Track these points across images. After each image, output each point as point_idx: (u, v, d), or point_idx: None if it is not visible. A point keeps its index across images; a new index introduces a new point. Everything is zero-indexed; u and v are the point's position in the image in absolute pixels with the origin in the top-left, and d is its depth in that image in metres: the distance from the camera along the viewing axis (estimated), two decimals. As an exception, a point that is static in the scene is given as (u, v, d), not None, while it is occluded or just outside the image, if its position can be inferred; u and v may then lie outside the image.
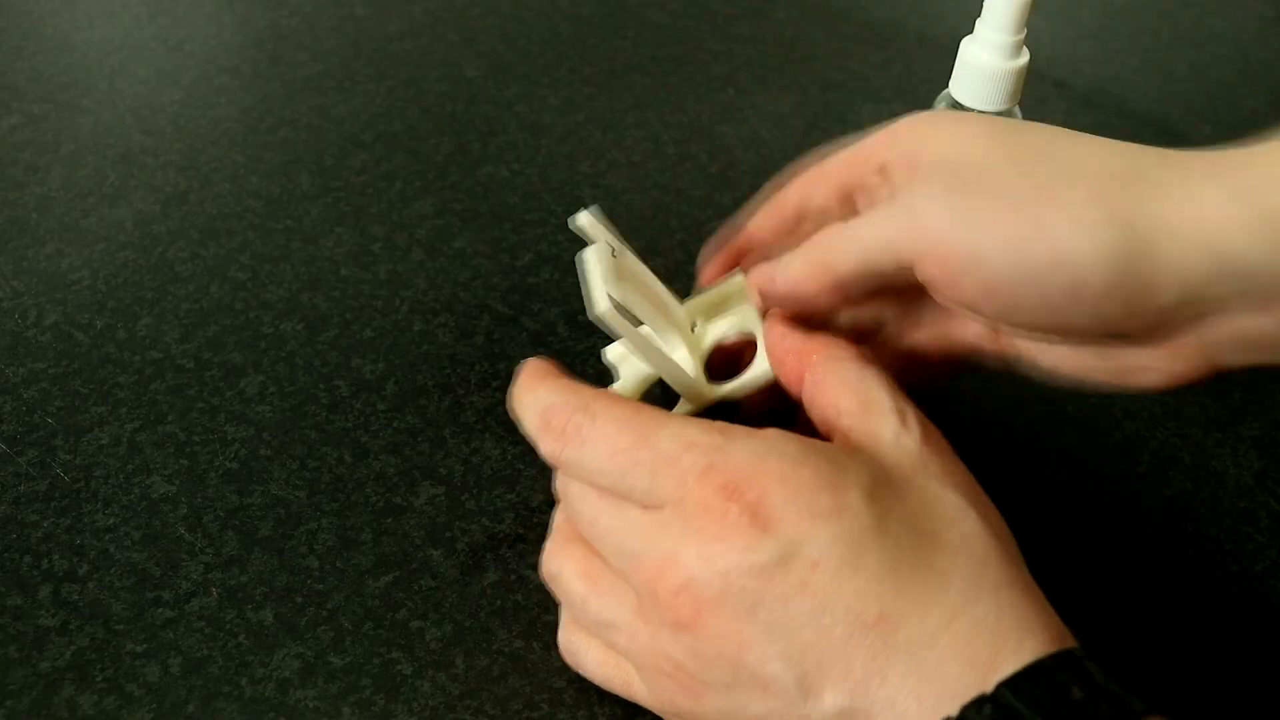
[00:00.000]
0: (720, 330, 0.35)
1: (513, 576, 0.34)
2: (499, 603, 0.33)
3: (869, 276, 0.30)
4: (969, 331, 0.33)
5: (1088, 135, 0.29)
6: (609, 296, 0.30)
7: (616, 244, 0.32)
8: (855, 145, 0.32)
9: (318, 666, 0.32)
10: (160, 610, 0.33)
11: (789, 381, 0.31)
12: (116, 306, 0.43)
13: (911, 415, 0.28)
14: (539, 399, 0.29)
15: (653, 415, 0.28)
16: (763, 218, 0.35)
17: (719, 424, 0.27)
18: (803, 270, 0.31)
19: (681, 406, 0.34)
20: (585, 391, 0.29)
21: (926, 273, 0.29)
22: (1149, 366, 0.30)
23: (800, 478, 0.25)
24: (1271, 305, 0.27)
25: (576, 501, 0.29)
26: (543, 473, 0.37)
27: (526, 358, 0.35)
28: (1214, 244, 0.26)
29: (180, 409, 0.39)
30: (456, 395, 0.40)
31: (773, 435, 0.27)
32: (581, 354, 0.41)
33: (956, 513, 0.26)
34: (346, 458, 0.38)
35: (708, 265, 0.36)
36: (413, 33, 0.61)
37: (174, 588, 0.34)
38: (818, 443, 0.27)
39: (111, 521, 0.36)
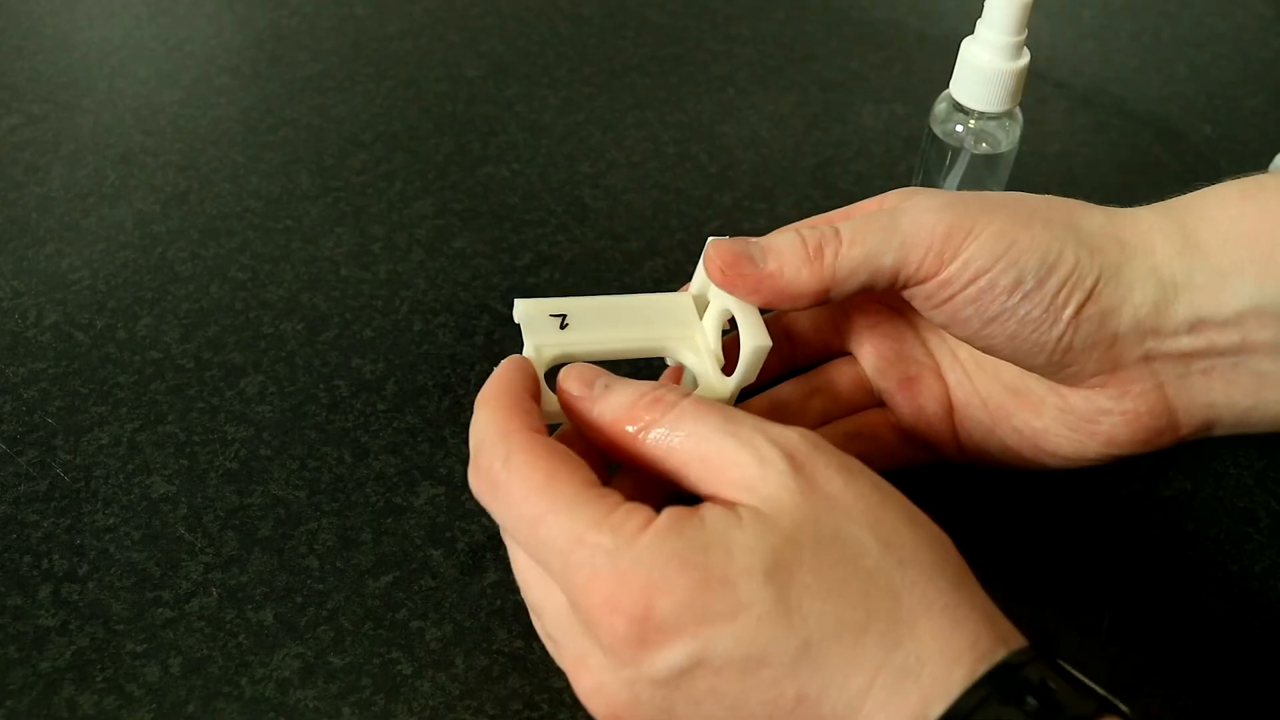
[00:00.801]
0: (714, 321, 0.34)
1: (512, 576, 0.34)
2: (499, 603, 0.33)
3: (865, 271, 0.31)
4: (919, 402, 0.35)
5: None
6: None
7: (560, 310, 0.32)
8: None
9: (318, 666, 0.32)
10: (160, 610, 0.33)
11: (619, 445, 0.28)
12: (116, 306, 0.43)
13: (778, 446, 0.25)
14: (478, 426, 0.27)
15: (560, 487, 0.25)
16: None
17: (617, 513, 0.24)
18: (800, 255, 0.31)
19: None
20: (516, 435, 0.26)
21: (920, 267, 0.30)
22: (1108, 409, 0.32)
23: (689, 581, 0.23)
24: (1202, 327, 0.31)
25: (510, 547, 0.28)
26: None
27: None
28: (1157, 271, 0.31)
29: (180, 409, 0.39)
30: (456, 395, 0.40)
31: (662, 528, 0.24)
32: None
33: (857, 548, 0.24)
34: (346, 458, 0.38)
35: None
36: (413, 33, 0.61)
37: (174, 588, 0.34)
38: (703, 528, 0.24)
39: (111, 521, 0.36)
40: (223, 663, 0.32)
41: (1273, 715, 0.31)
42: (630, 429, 0.27)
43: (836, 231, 0.31)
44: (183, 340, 0.42)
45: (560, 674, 0.31)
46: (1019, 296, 0.30)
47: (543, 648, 0.32)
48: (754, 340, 0.31)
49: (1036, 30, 0.39)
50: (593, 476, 0.26)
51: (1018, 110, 0.40)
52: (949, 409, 0.35)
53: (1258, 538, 0.36)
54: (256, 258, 0.46)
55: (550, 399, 0.30)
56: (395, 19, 0.62)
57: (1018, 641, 0.24)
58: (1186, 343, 0.31)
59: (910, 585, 0.24)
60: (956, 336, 0.32)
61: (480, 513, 0.36)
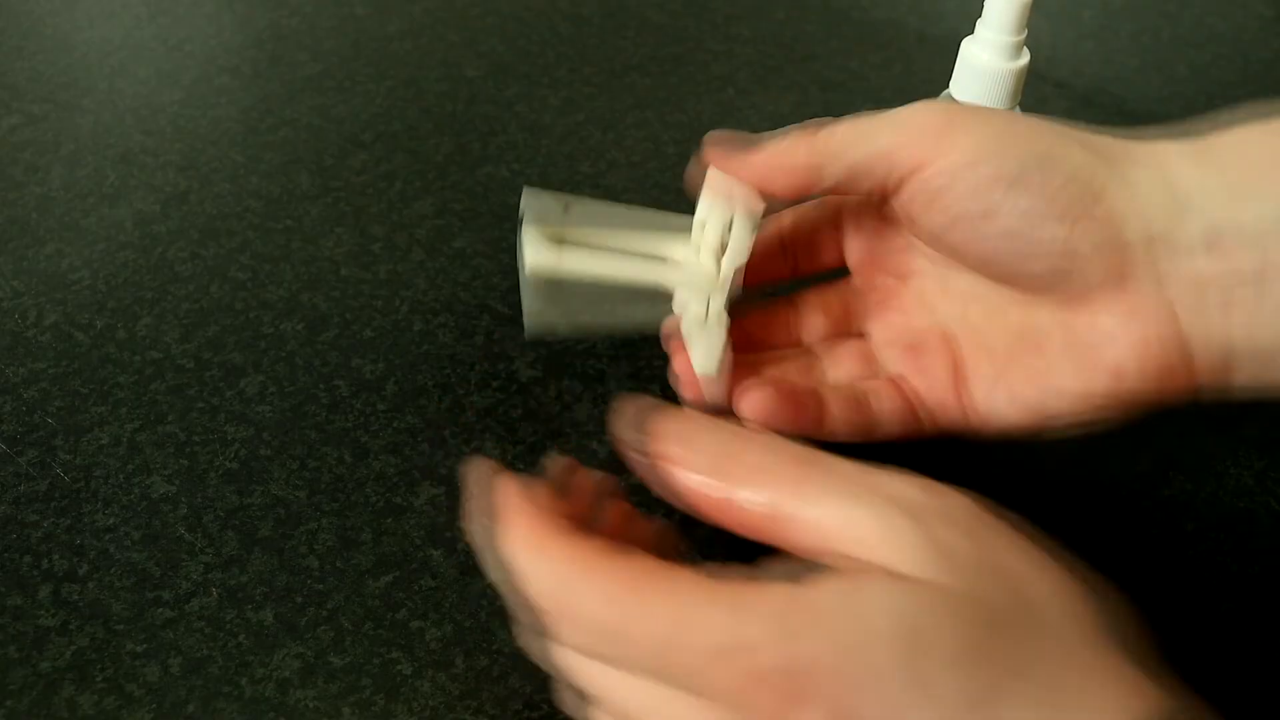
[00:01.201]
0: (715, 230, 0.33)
1: (513, 576, 0.34)
2: (499, 603, 0.33)
3: (857, 154, 0.30)
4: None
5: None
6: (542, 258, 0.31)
7: (563, 203, 0.32)
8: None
9: (318, 666, 0.32)
10: (160, 610, 0.33)
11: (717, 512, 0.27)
12: (116, 306, 0.43)
13: (895, 503, 0.24)
14: (539, 579, 0.24)
15: (663, 593, 0.23)
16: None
17: (733, 592, 0.23)
18: (793, 134, 0.31)
19: (692, 301, 0.33)
20: (584, 575, 0.24)
21: (913, 152, 0.29)
22: (1114, 334, 0.29)
23: (831, 649, 0.22)
24: (1219, 243, 0.28)
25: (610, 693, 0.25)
26: (542, 473, 0.37)
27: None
28: (1169, 179, 0.28)
29: (180, 409, 0.39)
30: (456, 395, 0.40)
31: (788, 597, 0.23)
32: (581, 354, 0.41)
33: (990, 611, 0.23)
34: (346, 458, 0.38)
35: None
36: (413, 33, 0.61)
37: (174, 588, 0.34)
38: (834, 593, 0.23)
39: (111, 521, 0.36)
40: (223, 663, 0.32)
41: (1273, 715, 0.31)
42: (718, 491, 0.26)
43: (824, 124, 0.31)
44: (183, 340, 0.42)
45: (560, 674, 0.32)
46: (1019, 189, 0.28)
47: (543, 648, 0.32)
48: (748, 205, 0.31)
49: (1036, 30, 0.39)
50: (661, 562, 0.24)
51: (1018, 110, 0.40)
52: (957, 369, 0.34)
53: (1258, 538, 0.36)
54: (256, 258, 0.46)
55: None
56: (395, 19, 0.62)
57: (1171, 697, 0.23)
58: (1203, 264, 0.28)
59: (1054, 642, 0.22)
60: (954, 248, 0.31)
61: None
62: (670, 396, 0.40)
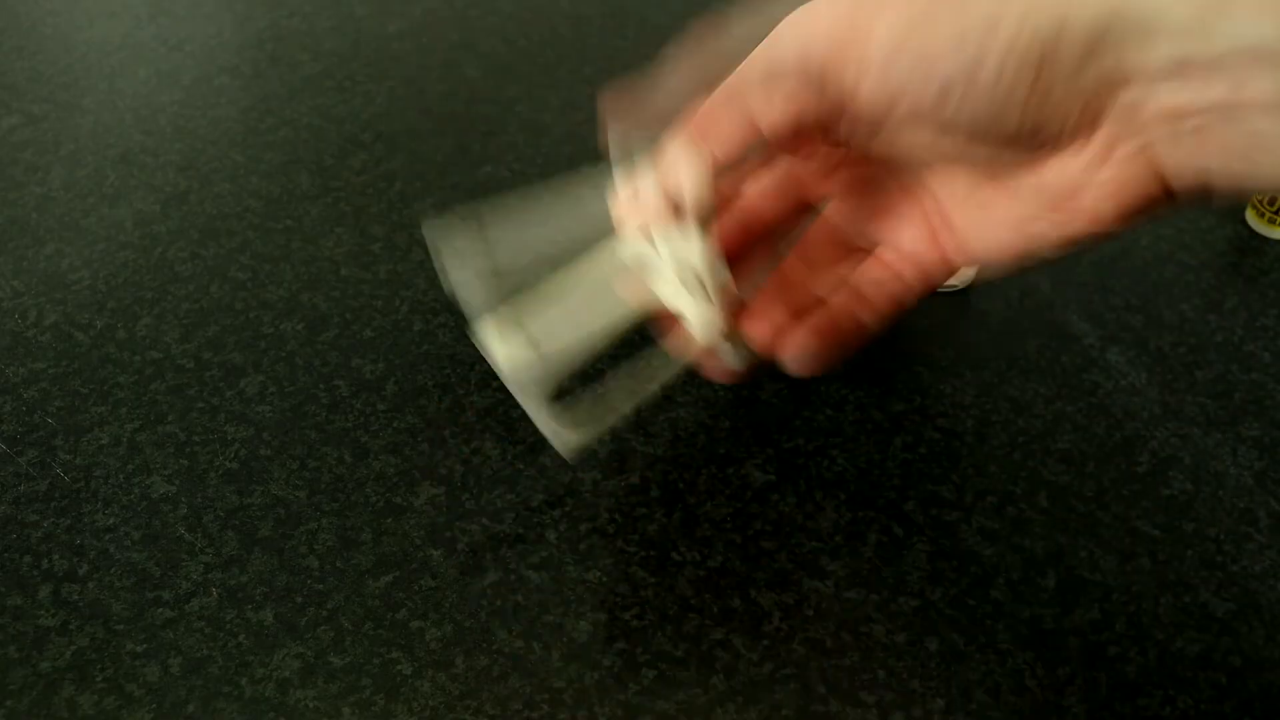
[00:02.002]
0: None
1: (513, 576, 0.34)
2: (499, 603, 0.33)
3: (774, 80, 0.29)
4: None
5: None
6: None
7: (479, 237, 0.31)
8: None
9: (318, 666, 0.32)
10: (160, 610, 0.33)
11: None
12: (116, 306, 0.43)
13: None
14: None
15: None
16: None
17: None
18: (721, 110, 0.29)
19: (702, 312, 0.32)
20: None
21: (842, 50, 0.28)
22: (1087, 184, 0.28)
23: None
24: (1188, 70, 0.26)
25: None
26: (542, 473, 0.37)
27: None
28: (1133, 7, 0.26)
29: (180, 409, 0.39)
30: (456, 395, 0.40)
31: None
32: (581, 354, 0.41)
33: None
34: (346, 458, 0.38)
35: None
36: (413, 33, 0.61)
37: (174, 588, 0.34)
38: None
39: (111, 521, 0.36)
40: (223, 663, 0.32)
41: (1272, 715, 0.31)
42: None
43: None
44: (183, 340, 0.42)
45: (560, 674, 0.32)
46: (964, 58, 0.27)
47: (543, 648, 0.32)
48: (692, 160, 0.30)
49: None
50: None
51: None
52: (930, 225, 0.32)
53: (1258, 538, 0.36)
54: (256, 258, 0.46)
55: None
56: (395, 19, 0.62)
57: None
58: (1172, 92, 0.27)
59: None
60: (919, 134, 0.29)
61: (480, 513, 0.36)
62: (670, 396, 0.40)
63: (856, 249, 0.34)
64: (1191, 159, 0.27)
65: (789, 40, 0.29)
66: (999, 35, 0.27)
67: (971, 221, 0.31)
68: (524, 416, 0.39)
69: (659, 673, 0.32)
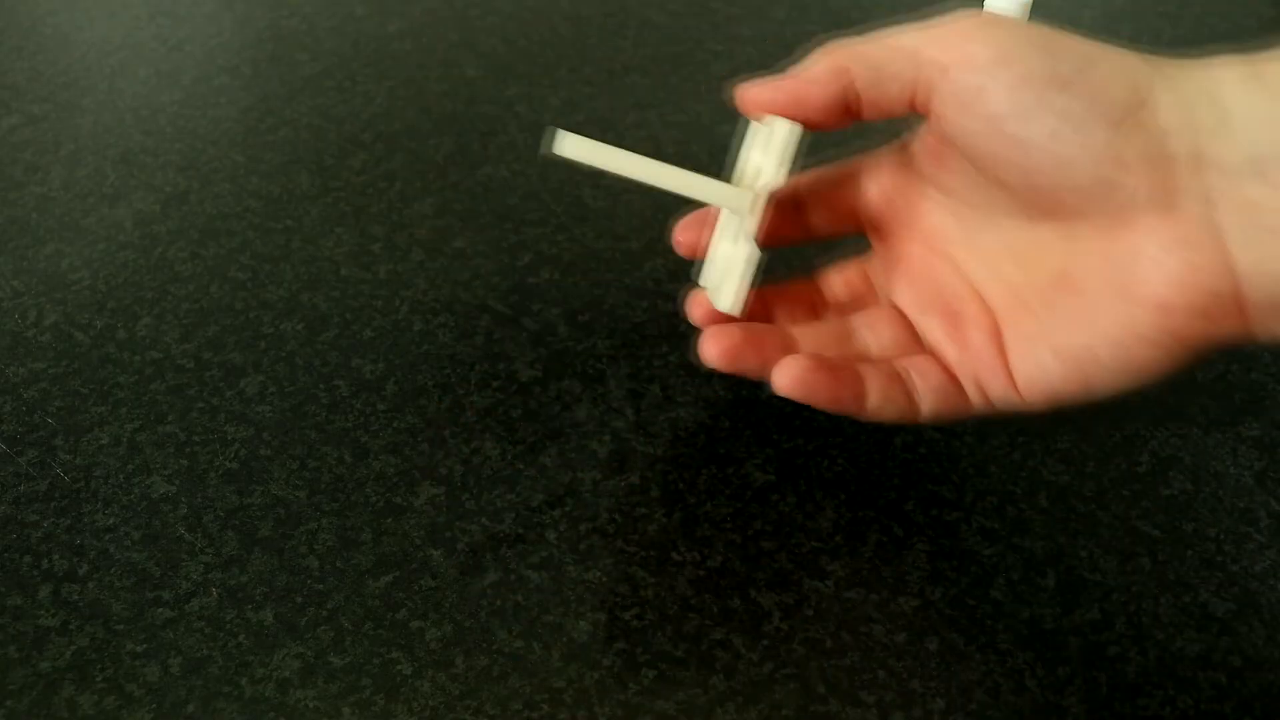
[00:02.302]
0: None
1: (513, 576, 0.34)
2: (499, 603, 0.33)
3: (887, 61, 0.30)
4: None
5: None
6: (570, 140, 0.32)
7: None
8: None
9: (318, 666, 0.32)
10: (160, 610, 0.33)
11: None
12: (116, 306, 0.43)
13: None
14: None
15: None
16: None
17: None
18: (819, 54, 0.31)
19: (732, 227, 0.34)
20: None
21: (942, 48, 0.29)
22: (1158, 262, 0.28)
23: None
24: (1266, 166, 0.26)
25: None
26: (542, 473, 0.37)
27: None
28: (1217, 96, 0.27)
29: (180, 409, 0.39)
30: (456, 395, 0.40)
31: None
32: (581, 354, 0.41)
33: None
34: (346, 458, 0.38)
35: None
36: (413, 33, 0.61)
37: (174, 588, 0.34)
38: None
39: (111, 521, 0.36)
40: (223, 663, 0.32)
41: (1272, 715, 0.31)
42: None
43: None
44: (183, 340, 0.42)
45: (560, 673, 0.32)
46: (1059, 87, 0.27)
47: (543, 648, 0.32)
48: (787, 124, 0.32)
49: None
50: None
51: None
52: (995, 334, 0.32)
53: (1258, 538, 0.36)
54: (256, 258, 0.46)
55: None
56: (395, 19, 0.62)
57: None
58: (1252, 189, 0.26)
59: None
60: (991, 158, 0.30)
61: (480, 513, 0.36)
62: (670, 396, 0.40)
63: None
64: (1268, 260, 0.27)
65: (902, 35, 0.30)
66: (1088, 78, 0.27)
67: (1033, 329, 0.31)
68: (524, 416, 0.39)
69: (659, 673, 0.32)
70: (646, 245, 0.47)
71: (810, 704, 0.31)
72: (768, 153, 0.33)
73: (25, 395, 0.40)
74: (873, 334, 0.35)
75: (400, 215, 0.48)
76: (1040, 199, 0.29)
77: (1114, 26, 0.64)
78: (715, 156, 0.52)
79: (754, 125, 0.35)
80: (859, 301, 0.36)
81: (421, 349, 0.42)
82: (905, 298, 0.35)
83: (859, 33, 0.32)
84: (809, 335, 0.35)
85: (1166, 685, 0.32)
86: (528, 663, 0.32)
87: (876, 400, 0.32)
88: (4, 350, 0.41)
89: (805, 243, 0.37)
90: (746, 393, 0.40)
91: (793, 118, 0.32)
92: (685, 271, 0.45)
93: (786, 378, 0.32)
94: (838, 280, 0.37)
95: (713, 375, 0.40)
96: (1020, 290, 0.32)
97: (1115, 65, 0.27)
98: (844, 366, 0.32)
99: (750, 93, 0.32)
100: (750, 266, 0.33)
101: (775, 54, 0.60)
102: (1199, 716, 0.31)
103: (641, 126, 0.54)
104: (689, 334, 0.42)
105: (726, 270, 0.34)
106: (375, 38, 0.60)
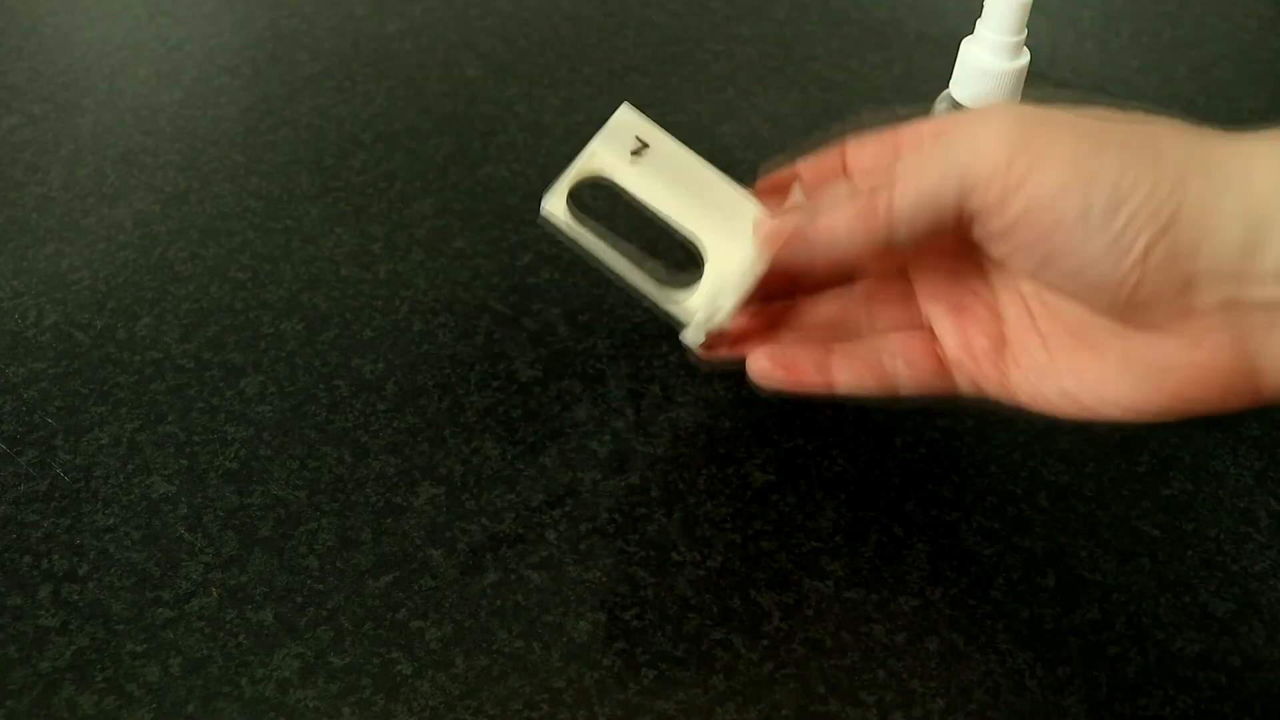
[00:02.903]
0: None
1: (513, 576, 0.34)
2: (499, 603, 0.33)
3: (924, 215, 0.29)
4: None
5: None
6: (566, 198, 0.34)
7: (646, 139, 0.34)
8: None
9: (318, 666, 0.32)
10: (160, 610, 0.33)
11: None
12: (116, 306, 0.43)
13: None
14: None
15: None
16: (813, 163, 0.35)
17: None
18: (850, 210, 0.30)
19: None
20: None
21: (983, 198, 0.28)
22: (1177, 361, 0.29)
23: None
24: None
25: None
26: (542, 473, 0.37)
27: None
28: (1251, 203, 0.27)
29: (180, 409, 0.39)
30: (456, 395, 0.40)
31: None
32: (581, 354, 0.41)
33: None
34: (346, 458, 0.38)
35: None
36: (413, 33, 0.61)
37: (174, 588, 0.34)
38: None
39: (111, 521, 0.36)
40: (223, 663, 0.32)
41: (1272, 715, 0.31)
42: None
43: (891, 179, 0.30)
44: (183, 340, 0.42)
45: (560, 673, 0.32)
46: (1085, 230, 0.27)
47: (543, 647, 0.32)
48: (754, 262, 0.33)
49: (1036, 30, 0.39)
50: None
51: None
52: (1000, 344, 0.33)
53: (1258, 538, 0.36)
54: (256, 258, 0.46)
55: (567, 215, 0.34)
56: (395, 19, 0.62)
57: None
58: (1275, 291, 0.27)
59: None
60: (1018, 271, 0.31)
61: (480, 513, 0.36)
62: (670, 396, 0.40)
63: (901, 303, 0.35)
64: (1274, 342, 0.27)
65: (953, 162, 0.29)
66: (1121, 217, 0.27)
67: (1043, 361, 0.32)
68: (524, 416, 0.39)
69: (659, 673, 0.32)
70: (646, 245, 0.47)
71: (810, 704, 0.31)
72: (728, 288, 0.34)
73: (25, 395, 0.40)
74: (881, 311, 0.35)
75: (400, 215, 0.48)
76: (1062, 295, 0.30)
77: (1114, 26, 0.64)
78: (715, 157, 0.52)
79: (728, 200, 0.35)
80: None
81: (421, 349, 0.42)
82: (921, 274, 0.35)
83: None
84: (816, 309, 0.36)
85: (1166, 685, 0.32)
86: (528, 663, 0.32)
87: (846, 384, 0.34)
88: (4, 350, 0.41)
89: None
90: (746, 393, 0.40)
91: (817, 263, 0.33)
92: (685, 272, 0.45)
93: (755, 367, 0.34)
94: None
95: (713, 375, 0.40)
96: (1039, 323, 0.32)
97: (1142, 194, 0.27)
98: (809, 360, 0.34)
99: (779, 245, 0.32)
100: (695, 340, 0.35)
101: (775, 54, 0.60)
102: (1199, 716, 0.31)
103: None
104: (689, 334, 0.42)
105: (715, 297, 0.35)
106: (375, 38, 0.60)
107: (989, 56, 0.38)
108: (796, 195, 0.36)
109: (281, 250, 0.46)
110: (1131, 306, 0.28)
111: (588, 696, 0.31)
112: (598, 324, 0.43)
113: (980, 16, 0.38)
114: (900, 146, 0.34)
